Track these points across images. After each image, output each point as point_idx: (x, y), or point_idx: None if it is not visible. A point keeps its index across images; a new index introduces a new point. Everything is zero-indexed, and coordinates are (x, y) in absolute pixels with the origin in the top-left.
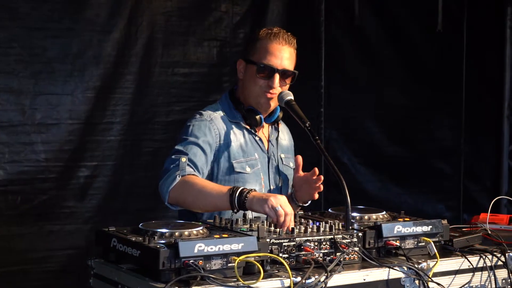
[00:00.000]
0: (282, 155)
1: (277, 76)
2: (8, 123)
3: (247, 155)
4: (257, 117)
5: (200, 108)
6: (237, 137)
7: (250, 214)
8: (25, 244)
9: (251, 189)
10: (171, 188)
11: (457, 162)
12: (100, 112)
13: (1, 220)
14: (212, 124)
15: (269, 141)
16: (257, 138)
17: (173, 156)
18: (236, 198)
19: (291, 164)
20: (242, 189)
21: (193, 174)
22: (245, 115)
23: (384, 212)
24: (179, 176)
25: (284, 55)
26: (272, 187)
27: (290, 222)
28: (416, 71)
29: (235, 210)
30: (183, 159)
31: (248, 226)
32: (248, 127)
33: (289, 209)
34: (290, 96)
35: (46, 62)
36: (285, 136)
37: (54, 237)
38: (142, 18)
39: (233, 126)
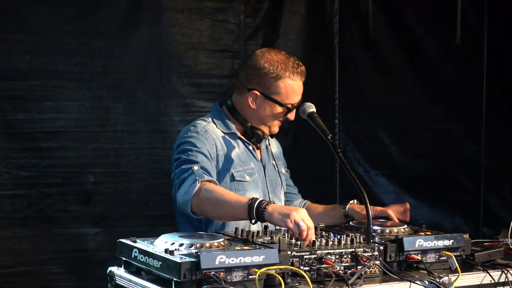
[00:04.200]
0: (274, 162)
1: (295, 110)
2: (17, 130)
3: (244, 165)
4: (261, 133)
5: None
6: (232, 147)
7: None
8: (30, 246)
9: (270, 201)
10: (193, 195)
11: (477, 175)
12: (107, 120)
13: (8, 223)
14: (207, 135)
15: (260, 150)
16: (250, 148)
17: (183, 166)
18: (254, 210)
19: (283, 170)
20: (261, 201)
21: (210, 180)
22: (249, 131)
23: (406, 226)
24: (198, 182)
25: (302, 91)
26: (270, 195)
27: (309, 239)
28: (434, 83)
29: (253, 221)
30: (196, 167)
31: (269, 238)
32: (243, 137)
33: (310, 223)
34: (312, 109)
35: (55, 71)
36: (273, 144)
37: (60, 240)
38: (153, 29)
39: (227, 137)
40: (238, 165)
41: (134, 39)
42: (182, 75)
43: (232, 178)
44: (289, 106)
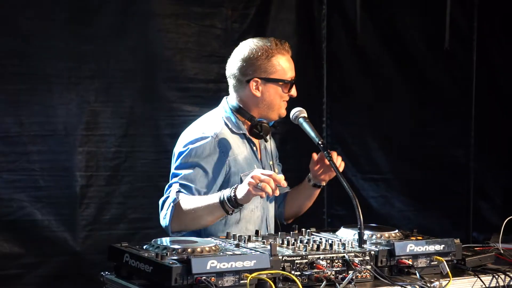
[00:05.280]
0: (271, 162)
1: (294, 86)
2: (6, 133)
3: (250, 167)
4: (267, 125)
5: None
6: (241, 149)
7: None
8: (20, 249)
9: (234, 187)
10: (170, 221)
11: (466, 179)
12: (95, 124)
13: None
14: (217, 141)
15: (260, 150)
16: (254, 148)
17: (169, 185)
18: (228, 204)
19: (276, 170)
20: (228, 192)
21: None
22: (257, 127)
23: (397, 231)
24: (171, 206)
25: (293, 66)
26: (270, 197)
27: (278, 181)
28: (422, 88)
29: (231, 212)
30: (175, 187)
31: (260, 243)
32: (251, 138)
33: (267, 177)
34: (304, 114)
35: (43, 75)
36: (269, 140)
37: (49, 243)
38: (140, 33)
39: (237, 138)
40: (245, 169)
41: (122, 44)
42: (169, 80)
43: (241, 182)
44: (290, 79)
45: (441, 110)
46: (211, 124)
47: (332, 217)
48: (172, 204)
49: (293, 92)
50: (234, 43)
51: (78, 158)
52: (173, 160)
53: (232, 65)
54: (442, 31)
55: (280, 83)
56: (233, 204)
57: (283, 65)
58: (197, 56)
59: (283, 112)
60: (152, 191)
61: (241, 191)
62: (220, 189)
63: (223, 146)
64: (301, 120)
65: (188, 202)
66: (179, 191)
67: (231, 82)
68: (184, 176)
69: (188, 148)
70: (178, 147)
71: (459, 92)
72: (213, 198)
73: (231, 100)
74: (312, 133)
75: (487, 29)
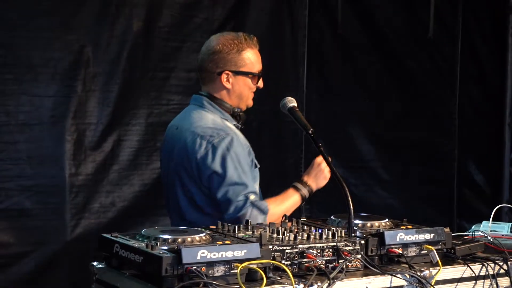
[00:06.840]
0: None
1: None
2: None
3: (251, 151)
4: (244, 115)
5: (178, 111)
6: (244, 136)
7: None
8: (9, 238)
9: (305, 182)
10: None
11: (450, 168)
12: (81, 113)
13: None
14: (241, 138)
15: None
16: None
17: (236, 187)
18: (308, 196)
19: None
20: (300, 184)
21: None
22: (237, 117)
23: (387, 220)
24: (264, 214)
25: (260, 59)
26: None
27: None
28: (405, 77)
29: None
30: (252, 197)
31: (250, 232)
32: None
33: (324, 166)
34: (293, 103)
35: (30, 65)
36: None
37: (39, 232)
38: (122, 24)
39: (237, 128)
40: (251, 152)
41: (106, 33)
42: (151, 69)
43: (255, 165)
44: (257, 72)
45: (425, 99)
46: (220, 124)
47: (311, 204)
48: (264, 213)
49: (260, 83)
50: (215, 32)
51: (66, 147)
52: (212, 163)
53: (204, 58)
54: (426, 20)
55: (250, 75)
56: (311, 194)
57: (252, 58)
58: (179, 45)
59: (250, 103)
60: (139, 179)
61: (320, 181)
62: None
63: (244, 141)
64: (290, 109)
65: (274, 205)
66: (258, 201)
67: (202, 74)
68: (250, 186)
69: (230, 153)
70: (213, 152)
71: (442, 81)
72: (294, 198)
73: (205, 93)
74: (302, 122)
75: (472, 18)
